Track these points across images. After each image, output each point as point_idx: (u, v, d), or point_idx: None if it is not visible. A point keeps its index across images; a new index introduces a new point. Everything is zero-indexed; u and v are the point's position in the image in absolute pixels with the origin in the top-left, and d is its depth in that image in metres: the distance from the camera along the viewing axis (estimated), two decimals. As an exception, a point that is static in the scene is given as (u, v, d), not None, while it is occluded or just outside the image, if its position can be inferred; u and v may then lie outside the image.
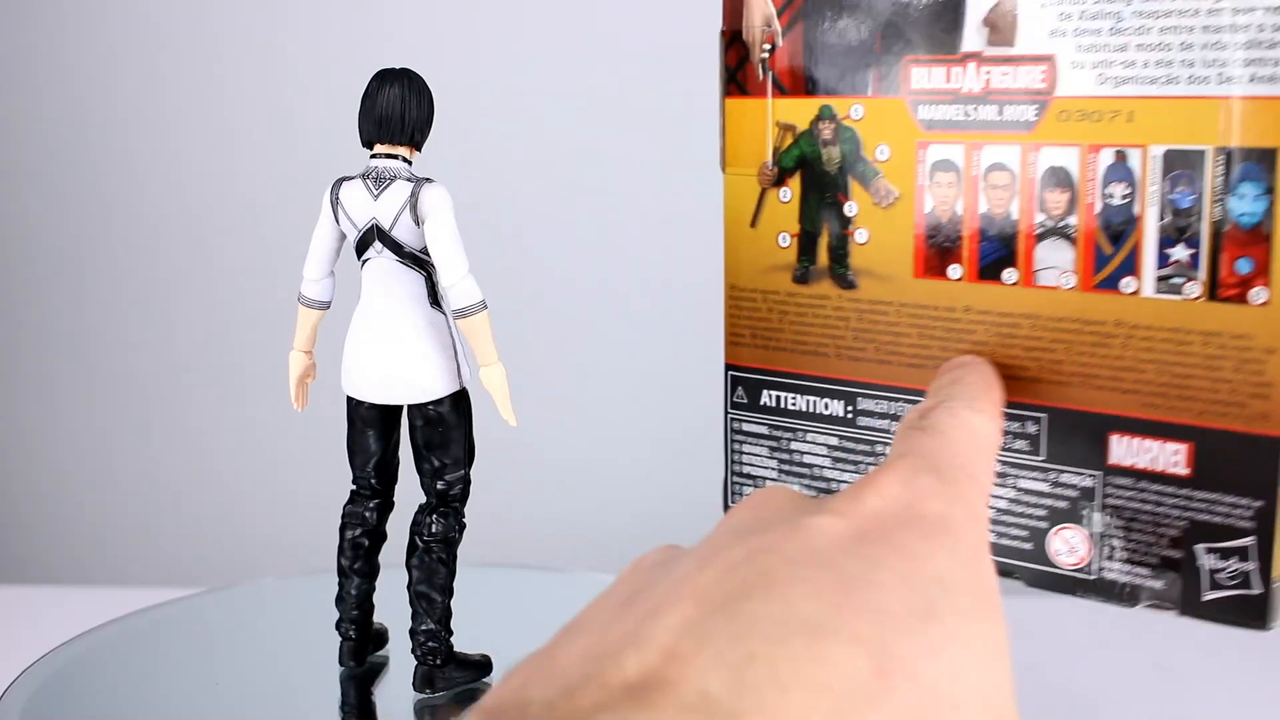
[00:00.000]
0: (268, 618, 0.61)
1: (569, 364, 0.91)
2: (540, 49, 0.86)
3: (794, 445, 0.54)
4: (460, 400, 0.52)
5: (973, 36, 0.47)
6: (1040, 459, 0.48)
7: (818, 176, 0.52)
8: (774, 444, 0.55)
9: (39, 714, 0.50)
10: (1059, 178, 0.46)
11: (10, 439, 0.93)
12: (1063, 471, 0.47)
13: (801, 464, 0.54)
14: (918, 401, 0.50)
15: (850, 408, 0.52)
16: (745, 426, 0.55)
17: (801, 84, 0.52)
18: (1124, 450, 0.46)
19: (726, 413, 0.56)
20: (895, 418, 0.51)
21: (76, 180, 0.91)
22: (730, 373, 0.56)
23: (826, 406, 0.53)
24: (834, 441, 0.53)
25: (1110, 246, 0.45)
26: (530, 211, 0.89)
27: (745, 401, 0.55)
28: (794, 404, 0.54)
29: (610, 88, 0.85)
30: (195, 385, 0.92)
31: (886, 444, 0.51)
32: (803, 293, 0.53)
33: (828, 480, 0.53)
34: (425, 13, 0.86)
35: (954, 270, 0.49)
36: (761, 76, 0.53)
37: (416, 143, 0.51)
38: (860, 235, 0.51)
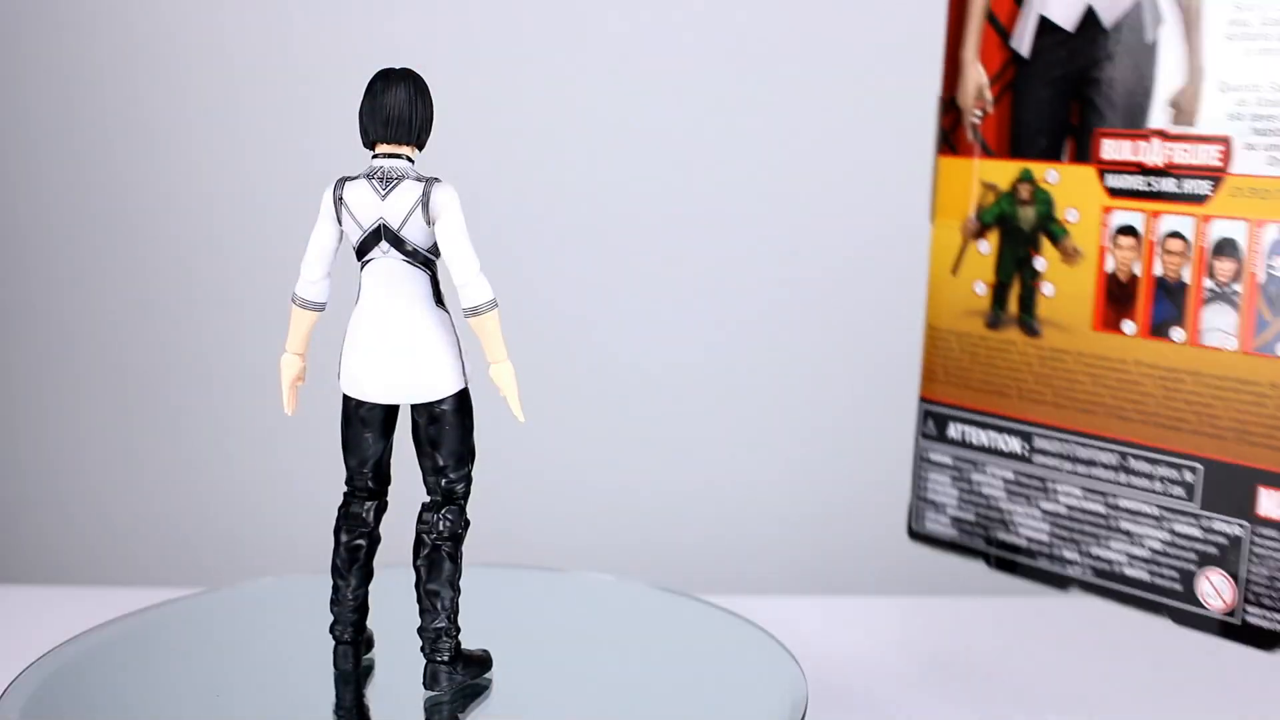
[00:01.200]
0: (266, 618, 0.60)
1: (571, 365, 0.89)
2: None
3: (974, 476, 0.59)
4: (463, 398, 0.52)
5: (1159, 114, 0.52)
6: (1195, 505, 0.51)
7: (1013, 233, 0.57)
8: (956, 474, 0.60)
9: (39, 714, 0.49)
10: (1228, 248, 0.50)
11: (9, 439, 0.92)
12: (1214, 519, 0.51)
13: (980, 494, 0.59)
14: (1089, 444, 0.55)
15: (1027, 445, 0.57)
16: (932, 455, 0.61)
17: (1006, 148, 0.57)
18: (1273, 503, 0.49)
19: (916, 442, 0.61)
20: (1067, 457, 0.56)
21: (74, 179, 0.89)
22: (923, 406, 0.61)
23: (1005, 443, 0.58)
24: (1010, 476, 0.58)
25: (1270, 314, 0.49)
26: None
27: (934, 433, 0.61)
28: (977, 439, 0.59)
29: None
30: (194, 385, 0.91)
31: (1059, 481, 0.56)
32: (993, 337, 0.58)
33: (1002, 511, 0.58)
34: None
35: (1128, 326, 0.53)
36: (971, 139, 0.58)
37: (421, 142, 0.51)
38: (1047, 288, 0.56)
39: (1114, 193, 0.53)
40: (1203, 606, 0.52)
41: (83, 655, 0.54)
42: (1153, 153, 0.52)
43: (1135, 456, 0.53)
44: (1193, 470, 0.52)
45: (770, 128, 0.86)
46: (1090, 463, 0.55)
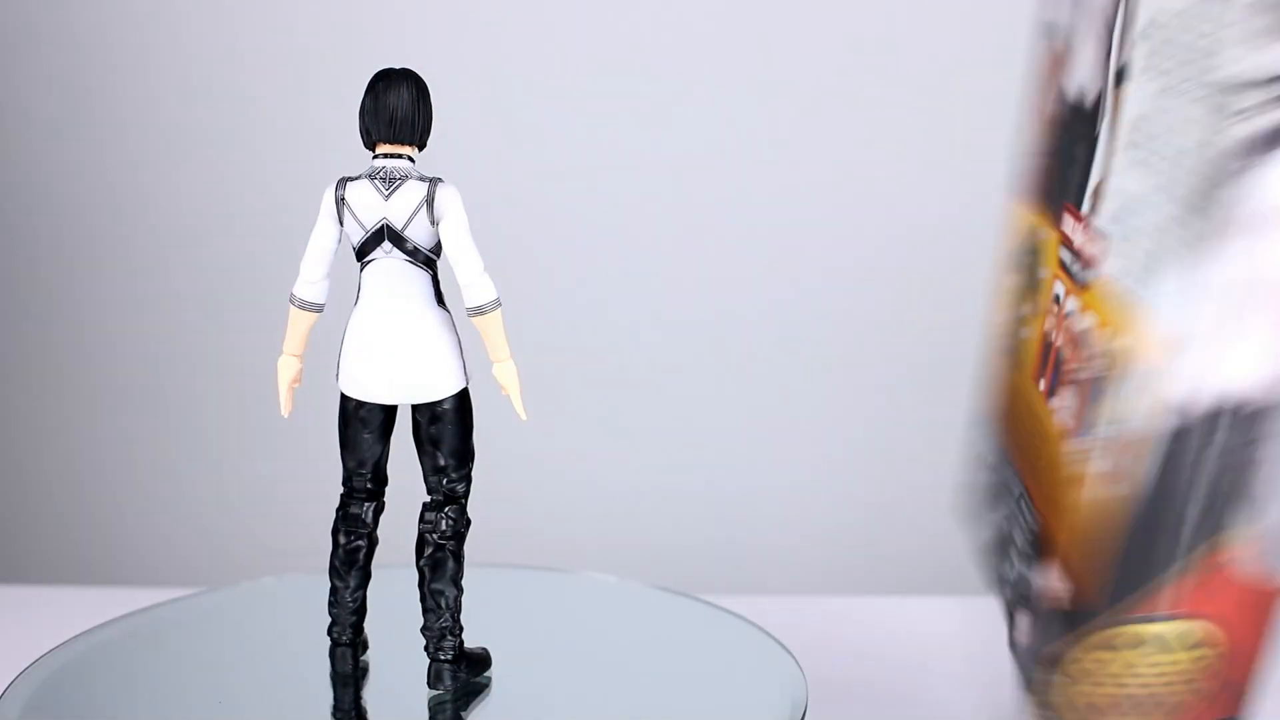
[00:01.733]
0: (266, 618, 0.60)
1: (573, 365, 0.88)
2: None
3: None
4: (464, 397, 0.52)
5: (1086, 204, 0.55)
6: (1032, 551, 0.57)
7: (1020, 277, 0.63)
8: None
9: (39, 714, 0.49)
10: (1083, 339, 0.54)
11: (9, 439, 0.91)
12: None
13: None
14: (1020, 478, 0.61)
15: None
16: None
17: (1033, 198, 0.62)
18: (1047, 573, 0.54)
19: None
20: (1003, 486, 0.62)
21: (72, 179, 0.88)
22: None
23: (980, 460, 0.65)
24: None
25: (1088, 408, 0.53)
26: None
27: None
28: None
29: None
30: (194, 385, 0.90)
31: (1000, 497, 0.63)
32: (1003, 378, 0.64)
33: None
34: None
35: (1041, 384, 0.58)
36: (1021, 185, 0.64)
37: (423, 142, 0.51)
38: (1023, 332, 0.61)
39: (1060, 263, 0.58)
40: (1015, 644, 0.57)
41: (83, 655, 0.54)
42: (1078, 233, 0.56)
43: (1023, 499, 0.59)
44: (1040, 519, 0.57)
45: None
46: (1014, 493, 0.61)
